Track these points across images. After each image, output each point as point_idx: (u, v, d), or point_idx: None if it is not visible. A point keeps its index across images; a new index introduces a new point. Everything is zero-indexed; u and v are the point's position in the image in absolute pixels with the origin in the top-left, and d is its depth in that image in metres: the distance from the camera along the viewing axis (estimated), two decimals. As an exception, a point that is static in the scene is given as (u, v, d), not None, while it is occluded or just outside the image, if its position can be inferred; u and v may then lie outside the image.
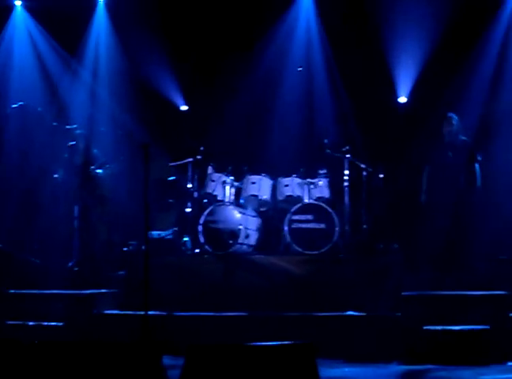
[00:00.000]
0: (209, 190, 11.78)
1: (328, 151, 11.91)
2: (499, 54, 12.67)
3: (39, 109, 12.84)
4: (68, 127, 12.42)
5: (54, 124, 12.64)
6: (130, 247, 11.89)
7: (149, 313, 8.48)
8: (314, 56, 13.43)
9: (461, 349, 9.41)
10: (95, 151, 12.31)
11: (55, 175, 12.13)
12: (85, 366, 5.89)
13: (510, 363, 9.19)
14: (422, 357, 9.35)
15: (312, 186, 11.68)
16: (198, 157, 12.05)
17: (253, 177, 11.82)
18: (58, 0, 12.76)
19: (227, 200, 11.66)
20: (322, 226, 11.32)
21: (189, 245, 11.76)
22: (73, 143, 12.15)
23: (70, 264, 11.71)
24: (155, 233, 12.29)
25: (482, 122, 12.32)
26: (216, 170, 11.93)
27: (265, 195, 11.77)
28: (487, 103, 12.48)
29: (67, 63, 13.48)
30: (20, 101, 12.77)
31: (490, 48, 12.69)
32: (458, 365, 9.02)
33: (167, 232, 12.50)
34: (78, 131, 12.29)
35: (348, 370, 9.07)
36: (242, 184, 11.87)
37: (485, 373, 8.69)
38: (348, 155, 11.84)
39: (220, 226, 11.41)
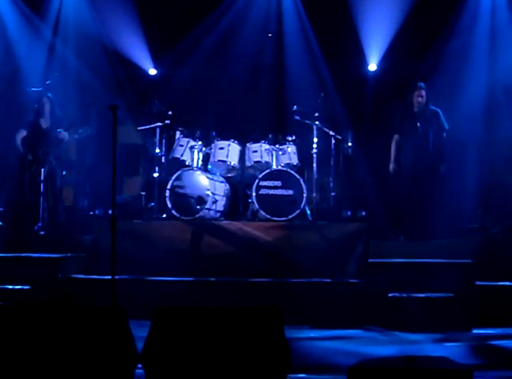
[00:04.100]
0: (177, 155, 11.73)
1: (297, 117, 11.88)
2: (473, 23, 12.63)
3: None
4: (34, 89, 12.24)
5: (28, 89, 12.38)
6: (97, 211, 11.80)
7: (116, 277, 8.41)
8: (285, 22, 13.35)
9: (426, 316, 9.46)
10: (61, 114, 12.14)
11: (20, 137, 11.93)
12: (51, 329, 5.83)
13: (475, 330, 9.27)
14: (387, 324, 9.40)
15: (280, 153, 11.66)
16: (167, 122, 11.98)
17: (221, 142, 11.77)
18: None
19: (195, 165, 11.61)
20: (290, 192, 11.31)
21: (155, 209, 11.72)
22: (39, 105, 11.97)
23: (36, 227, 11.59)
24: (121, 197, 12.22)
25: (451, 92, 12.34)
26: (185, 135, 11.88)
27: (233, 161, 11.74)
28: (457, 72, 12.48)
29: (30, 22, 13.19)
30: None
31: (463, 17, 12.65)
32: (423, 333, 9.07)
33: (131, 196, 12.44)
34: (44, 93, 12.09)
35: (313, 335, 9.10)
36: (210, 149, 11.82)
37: (450, 340, 8.77)
38: (316, 122, 11.83)
39: (188, 191, 11.37)
